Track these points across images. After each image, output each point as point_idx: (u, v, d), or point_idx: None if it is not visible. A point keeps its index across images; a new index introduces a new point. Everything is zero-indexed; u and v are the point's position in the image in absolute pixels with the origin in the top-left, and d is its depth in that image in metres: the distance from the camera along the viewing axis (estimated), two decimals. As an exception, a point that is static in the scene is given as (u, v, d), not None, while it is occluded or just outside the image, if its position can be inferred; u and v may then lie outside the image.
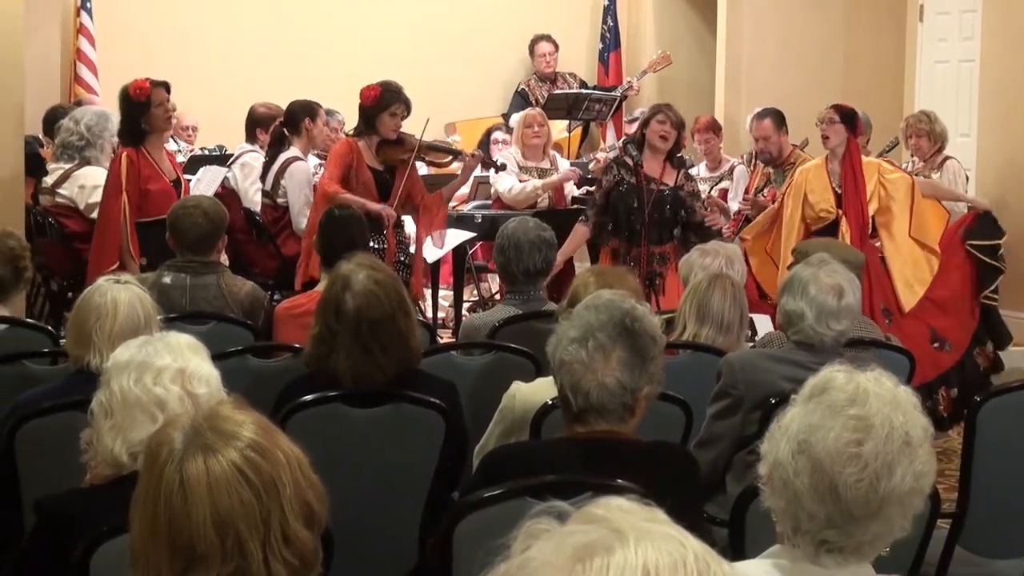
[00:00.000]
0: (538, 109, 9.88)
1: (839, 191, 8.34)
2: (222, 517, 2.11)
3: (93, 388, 3.16)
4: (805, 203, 8.41)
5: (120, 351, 3.11)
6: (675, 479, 3.36)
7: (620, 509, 1.52)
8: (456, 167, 8.44)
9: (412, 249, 7.97)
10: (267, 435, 2.19)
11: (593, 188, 8.81)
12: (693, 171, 10.33)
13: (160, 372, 2.95)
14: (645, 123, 7.99)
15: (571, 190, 9.72)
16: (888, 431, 2.33)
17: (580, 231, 7.93)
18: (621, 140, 10.47)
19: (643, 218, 7.78)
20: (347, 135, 8.10)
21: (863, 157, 8.58)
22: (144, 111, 7.28)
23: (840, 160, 8.38)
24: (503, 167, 9.04)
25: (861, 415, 2.34)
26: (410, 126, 7.89)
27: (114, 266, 7.02)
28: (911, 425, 2.36)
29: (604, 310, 3.33)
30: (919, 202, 8.34)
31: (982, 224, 8.52)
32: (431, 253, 8.51)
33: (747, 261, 7.54)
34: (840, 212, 8.31)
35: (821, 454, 2.33)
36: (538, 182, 9.29)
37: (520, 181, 9.36)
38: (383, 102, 7.60)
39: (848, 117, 8.36)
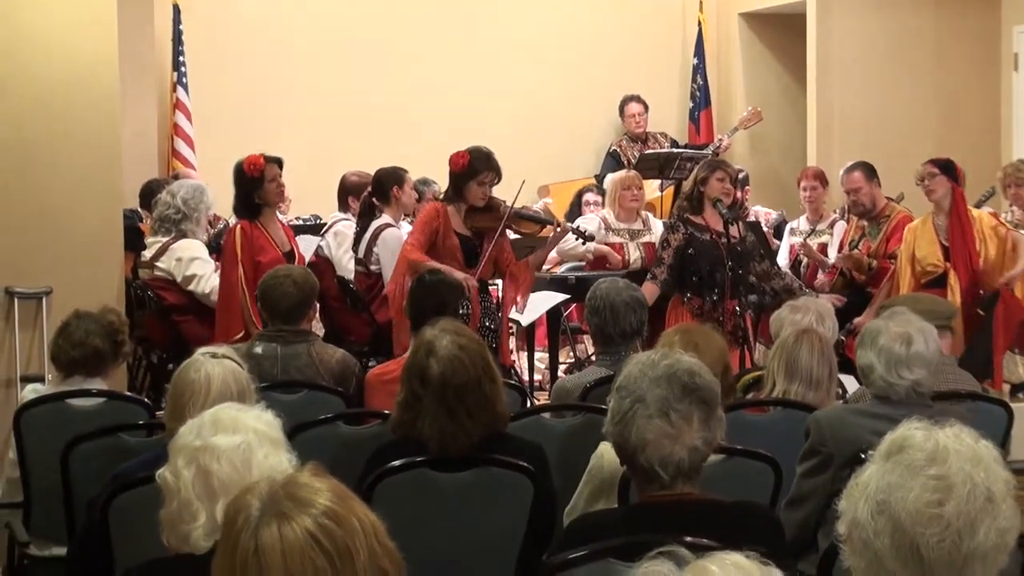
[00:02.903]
0: (635, 172, 9.83)
1: (946, 244, 8.29)
2: None
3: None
4: (913, 260, 8.38)
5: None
6: (758, 539, 3.32)
7: (735, 567, 1.52)
8: (547, 230, 8.40)
9: (499, 315, 7.92)
10: (342, 502, 2.20)
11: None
12: (793, 223, 10.35)
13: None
14: (704, 181, 7.95)
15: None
16: (969, 489, 2.29)
17: (649, 289, 7.65)
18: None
19: (726, 273, 7.77)
20: (436, 198, 8.11)
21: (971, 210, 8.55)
22: (258, 186, 7.44)
23: (947, 213, 8.33)
24: (591, 238, 8.95)
25: (941, 474, 2.30)
26: (506, 188, 7.93)
27: (240, 334, 7.15)
28: (993, 481, 2.32)
29: (674, 381, 3.30)
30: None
31: None
32: (527, 316, 8.51)
33: None
34: (948, 265, 8.26)
35: (901, 515, 2.29)
36: (591, 246, 9.16)
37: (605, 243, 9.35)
38: (471, 170, 7.57)
39: (947, 167, 8.35)
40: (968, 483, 2.30)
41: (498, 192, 7.85)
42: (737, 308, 7.80)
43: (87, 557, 3.94)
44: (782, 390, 5.20)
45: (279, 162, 7.62)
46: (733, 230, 7.86)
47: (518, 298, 7.88)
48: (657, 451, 3.26)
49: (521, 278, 7.83)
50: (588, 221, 9.43)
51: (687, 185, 8.10)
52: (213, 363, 4.03)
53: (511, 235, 8.61)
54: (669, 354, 3.38)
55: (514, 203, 7.77)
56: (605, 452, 4.41)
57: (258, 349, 5.89)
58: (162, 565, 3.00)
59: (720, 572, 1.51)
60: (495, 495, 4.22)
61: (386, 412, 5.24)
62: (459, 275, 7.46)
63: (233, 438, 2.99)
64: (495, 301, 8.01)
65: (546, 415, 5.45)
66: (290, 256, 7.51)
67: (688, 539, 3.22)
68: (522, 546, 4.26)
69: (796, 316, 6.07)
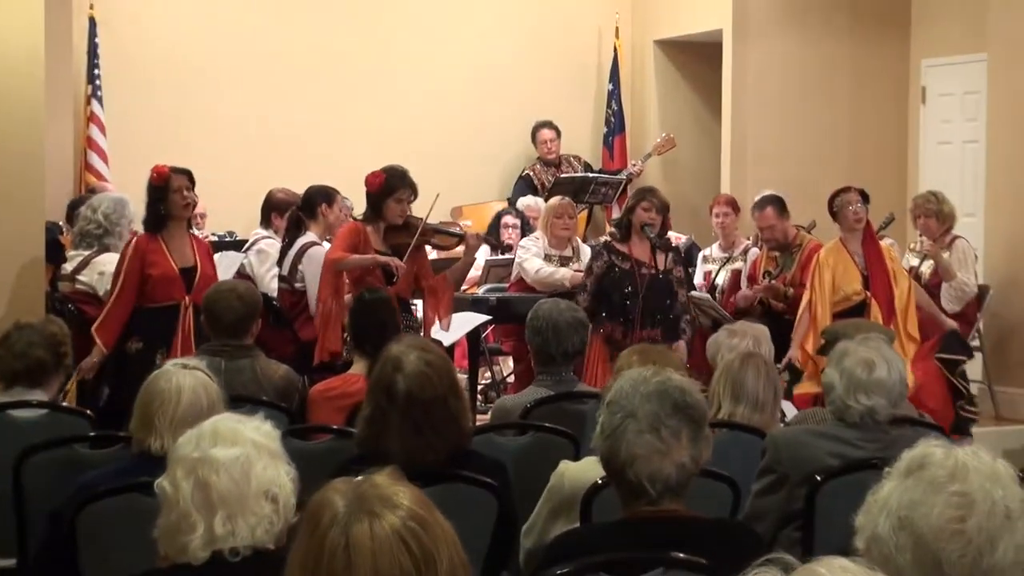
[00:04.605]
0: (568, 200, 9.85)
1: (865, 273, 8.43)
2: None
3: (155, 471, 3.17)
4: (832, 287, 8.48)
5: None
6: (742, 555, 3.36)
7: (843, 570, 1.56)
8: (460, 250, 8.43)
9: (420, 333, 7.92)
10: (426, 508, 2.22)
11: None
12: (706, 251, 10.47)
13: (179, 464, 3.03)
14: (631, 209, 8.08)
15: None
16: (990, 506, 2.36)
17: None
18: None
19: (638, 303, 7.84)
20: (355, 219, 8.11)
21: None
22: (163, 196, 7.34)
23: (861, 242, 8.49)
24: (508, 248, 8.99)
25: (963, 491, 2.37)
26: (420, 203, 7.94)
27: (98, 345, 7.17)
28: (1011, 499, 2.39)
29: (665, 397, 3.34)
30: (913, 302, 8.52)
31: (948, 342, 8.76)
32: (448, 337, 8.50)
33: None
34: (868, 294, 8.39)
35: (924, 530, 2.35)
36: (568, 273, 9.25)
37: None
38: (388, 188, 7.59)
39: (866, 197, 8.54)
40: (988, 500, 2.37)
41: (414, 211, 7.86)
42: (648, 339, 7.86)
43: (52, 568, 3.89)
44: (728, 412, 5.27)
45: (188, 174, 7.52)
46: (660, 260, 7.94)
47: (441, 316, 7.88)
48: (646, 466, 3.29)
49: (441, 292, 7.84)
50: (533, 241, 9.47)
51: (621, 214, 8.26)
52: (184, 374, 4.01)
53: (433, 254, 8.63)
54: (660, 371, 3.42)
55: (428, 216, 7.80)
56: (566, 471, 4.44)
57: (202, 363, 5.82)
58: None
59: (828, 574, 1.55)
60: (459, 511, 4.18)
61: (335, 427, 5.28)
62: (383, 258, 7.46)
63: (232, 450, 2.97)
64: (417, 320, 8.01)
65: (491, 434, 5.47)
66: (189, 272, 7.37)
67: (675, 555, 3.27)
68: (483, 564, 4.26)
69: (733, 340, 6.16)
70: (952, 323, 9.00)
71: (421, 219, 7.79)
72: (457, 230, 8.49)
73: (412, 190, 7.68)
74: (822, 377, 4.72)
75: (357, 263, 7.48)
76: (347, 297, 7.46)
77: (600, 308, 7.93)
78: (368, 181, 7.68)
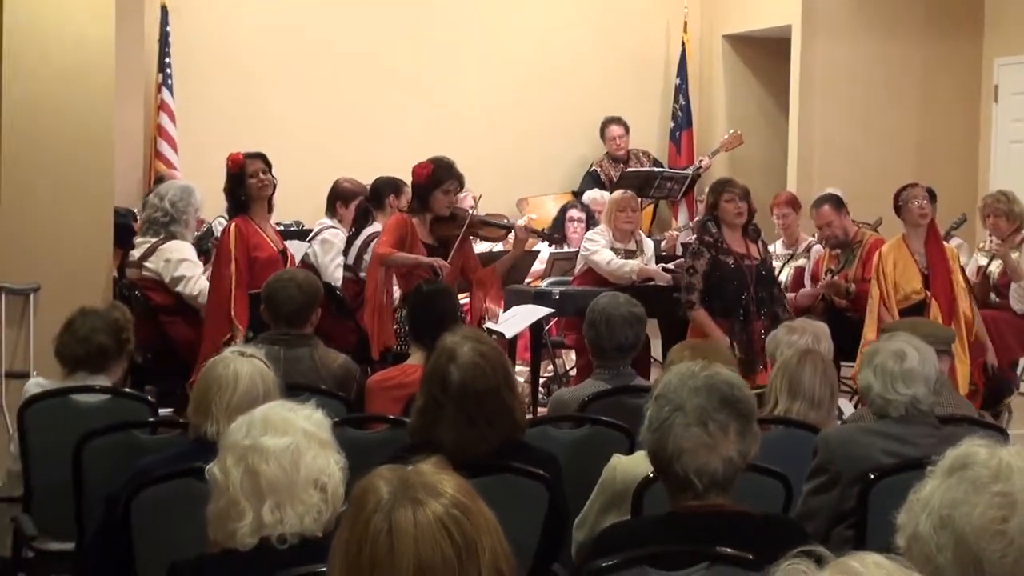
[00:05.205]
0: (631, 194, 9.83)
1: (925, 272, 8.34)
2: (423, 569, 2.15)
3: (211, 457, 3.20)
4: (895, 285, 8.41)
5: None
6: (789, 551, 3.36)
7: (877, 565, 1.56)
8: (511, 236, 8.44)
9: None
10: (470, 497, 2.24)
11: (675, 269, 8.91)
12: (770, 248, 10.42)
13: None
14: (714, 205, 8.04)
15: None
16: (1033, 506, 2.35)
17: (703, 315, 7.86)
18: (694, 222, 10.55)
19: (751, 295, 7.81)
20: (401, 211, 8.14)
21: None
22: (240, 182, 7.43)
23: (924, 240, 8.40)
24: (559, 240, 8.99)
25: (1006, 491, 2.35)
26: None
27: (227, 335, 7.11)
28: (1053, 500, 2.37)
29: (713, 391, 3.34)
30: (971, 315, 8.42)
31: (995, 391, 8.65)
32: (510, 329, 8.52)
33: None
34: (928, 294, 8.30)
35: (965, 529, 2.34)
36: (636, 265, 9.25)
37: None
38: (435, 179, 7.62)
39: (935, 197, 8.46)
40: (1031, 500, 2.35)
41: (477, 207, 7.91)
42: (763, 331, 7.82)
43: (107, 551, 3.94)
44: (784, 409, 5.25)
45: (262, 157, 7.61)
46: (753, 250, 7.96)
47: (490, 306, 7.89)
48: (693, 460, 3.30)
49: (489, 283, 7.87)
50: (600, 233, 9.46)
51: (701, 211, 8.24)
52: (242, 361, 4.06)
53: (483, 246, 8.62)
54: (708, 365, 3.42)
55: (474, 211, 7.83)
56: (618, 464, 4.45)
57: (260, 351, 5.87)
58: (209, 560, 3.02)
59: (862, 569, 1.55)
60: (511, 503, 4.22)
61: (391, 417, 5.31)
62: (427, 259, 7.50)
63: (282, 439, 3.01)
64: (465, 313, 8.01)
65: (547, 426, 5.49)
66: (283, 255, 7.51)
67: (721, 550, 3.27)
68: (534, 555, 4.28)
69: (793, 337, 6.12)
70: (992, 356, 8.78)
71: (468, 211, 7.82)
72: (505, 222, 8.50)
73: (459, 181, 7.72)
74: (858, 381, 4.71)
75: (402, 261, 7.50)
76: (396, 292, 7.51)
77: (712, 305, 7.90)
78: (415, 172, 7.72)
